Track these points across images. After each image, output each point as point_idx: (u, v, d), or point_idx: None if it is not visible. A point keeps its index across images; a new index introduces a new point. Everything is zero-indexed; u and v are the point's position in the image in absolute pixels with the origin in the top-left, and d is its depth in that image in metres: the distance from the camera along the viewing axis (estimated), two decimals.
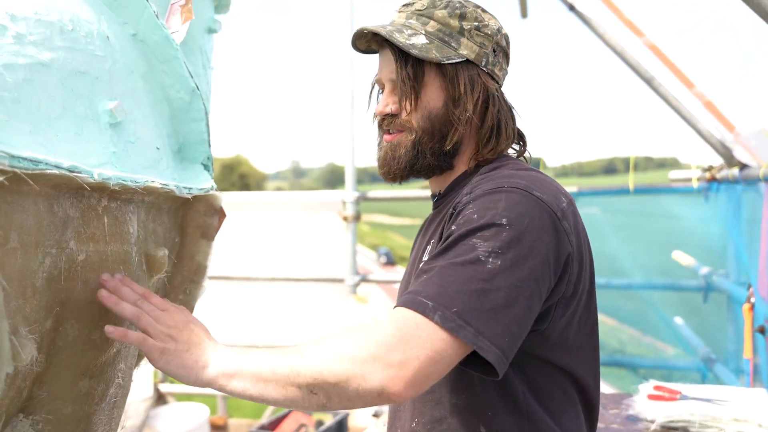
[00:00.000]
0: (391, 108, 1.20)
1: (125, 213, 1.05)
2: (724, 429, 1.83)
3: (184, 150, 1.36)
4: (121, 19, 1.20)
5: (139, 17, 1.21)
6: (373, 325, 0.97)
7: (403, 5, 1.22)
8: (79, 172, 0.89)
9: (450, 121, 1.17)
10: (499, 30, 1.21)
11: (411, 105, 1.17)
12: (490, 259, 0.94)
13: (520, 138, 1.25)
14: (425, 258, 1.16)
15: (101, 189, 0.96)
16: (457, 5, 1.19)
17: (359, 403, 0.95)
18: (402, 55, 1.16)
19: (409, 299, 0.96)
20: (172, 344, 1.01)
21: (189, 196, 1.20)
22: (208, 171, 1.36)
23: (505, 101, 1.22)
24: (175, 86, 1.28)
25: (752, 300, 2.47)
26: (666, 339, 4.04)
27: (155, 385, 4.05)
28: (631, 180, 3.42)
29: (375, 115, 1.25)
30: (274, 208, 4.34)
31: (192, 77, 1.29)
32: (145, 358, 1.38)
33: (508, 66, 1.25)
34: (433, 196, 1.31)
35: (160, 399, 4.15)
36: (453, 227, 1.01)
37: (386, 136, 1.22)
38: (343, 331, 0.98)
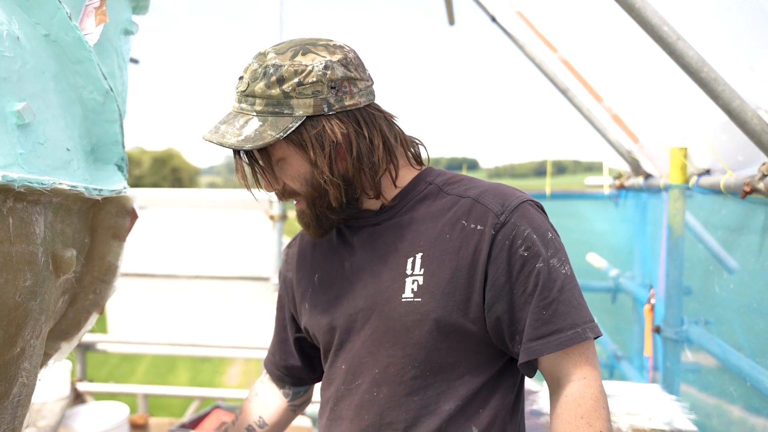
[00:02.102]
0: (278, 185, 1.21)
1: (31, 214, 1.06)
2: (617, 422, 1.96)
3: (97, 151, 1.36)
4: (33, 20, 1.20)
5: (51, 18, 1.21)
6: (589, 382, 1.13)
7: (236, 87, 1.19)
8: None
9: (320, 184, 1.16)
10: (326, 66, 1.11)
11: (276, 185, 1.20)
12: (565, 268, 1.13)
13: (412, 142, 1.25)
14: (414, 269, 1.16)
15: (6, 190, 0.97)
16: (271, 70, 1.12)
17: None
18: (237, 152, 1.18)
19: (565, 338, 1.10)
20: None
21: (99, 198, 1.21)
22: (122, 172, 1.38)
23: (373, 121, 1.16)
24: (88, 87, 1.29)
25: (653, 301, 2.65)
26: None
27: (72, 383, 3.96)
28: (548, 185, 3.58)
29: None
30: (201, 206, 4.31)
31: (106, 78, 1.31)
32: (53, 358, 1.39)
33: (366, 73, 1.19)
34: (363, 214, 1.25)
35: (77, 398, 4.06)
36: (524, 253, 1.11)
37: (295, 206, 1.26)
38: (586, 405, 1.11)
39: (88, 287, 1.33)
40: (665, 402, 2.07)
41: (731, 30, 1.76)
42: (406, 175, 1.23)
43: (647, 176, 3.06)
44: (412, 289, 1.14)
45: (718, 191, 1.95)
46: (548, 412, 2.06)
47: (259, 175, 1.20)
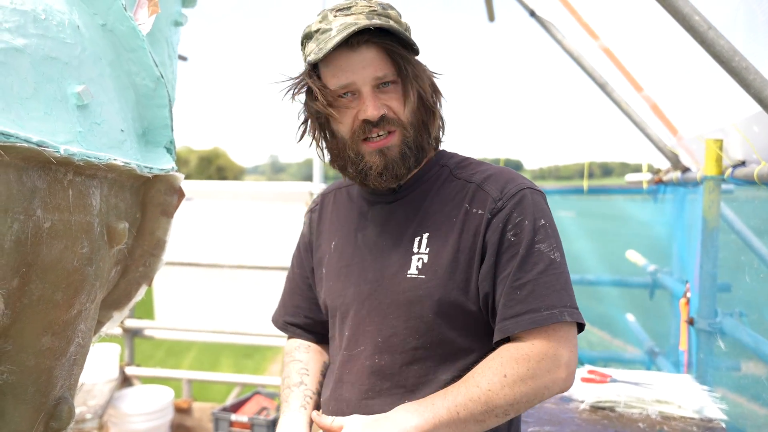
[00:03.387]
0: (384, 110, 1.19)
1: (89, 187, 1.16)
2: (646, 409, 1.98)
3: (148, 134, 1.46)
4: (92, 11, 1.31)
5: (108, 9, 1.31)
6: (530, 347, 1.13)
7: (344, 9, 1.20)
8: (47, 147, 1.00)
9: (430, 109, 1.23)
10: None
11: (413, 100, 1.19)
12: (554, 254, 1.16)
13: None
14: (421, 248, 1.22)
15: (67, 164, 1.07)
16: (389, 5, 1.24)
17: (539, 406, 1.18)
18: (398, 46, 1.18)
19: (539, 317, 1.12)
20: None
21: (150, 175, 1.31)
22: (171, 154, 1.47)
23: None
24: (140, 74, 1.39)
25: (688, 295, 2.64)
26: (619, 334, 4.22)
27: (121, 367, 4.13)
28: (585, 181, 3.59)
29: (360, 123, 1.21)
30: (243, 197, 4.43)
31: (157, 66, 1.40)
32: (106, 326, 1.49)
33: None
34: (379, 190, 1.31)
35: (125, 381, 4.23)
36: (512, 237, 1.16)
37: (372, 144, 1.21)
38: (509, 359, 1.12)
39: (139, 260, 1.43)
40: (696, 391, 2.08)
41: (763, 18, 1.77)
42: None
43: (685, 170, 3.05)
44: (417, 266, 1.22)
45: (752, 182, 1.95)
46: (579, 398, 2.09)
47: (373, 91, 1.19)
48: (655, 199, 3.50)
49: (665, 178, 3.29)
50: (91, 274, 1.18)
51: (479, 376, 1.10)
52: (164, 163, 1.41)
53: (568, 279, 1.17)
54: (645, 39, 2.72)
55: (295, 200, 4.17)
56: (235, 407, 3.80)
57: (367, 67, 1.17)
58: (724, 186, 2.36)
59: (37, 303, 1.08)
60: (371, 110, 1.17)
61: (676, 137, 2.98)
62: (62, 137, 1.11)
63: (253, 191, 4.50)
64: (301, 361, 1.42)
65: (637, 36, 2.80)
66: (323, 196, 1.47)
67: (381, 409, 1.23)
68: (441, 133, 1.32)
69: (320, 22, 1.19)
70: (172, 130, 1.48)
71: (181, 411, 4.22)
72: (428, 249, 1.21)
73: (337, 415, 1.27)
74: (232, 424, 3.62)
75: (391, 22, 1.17)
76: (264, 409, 3.77)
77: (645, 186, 3.54)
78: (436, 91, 1.25)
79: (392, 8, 1.22)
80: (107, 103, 1.28)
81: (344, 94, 1.20)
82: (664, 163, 3.46)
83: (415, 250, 1.23)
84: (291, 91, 1.27)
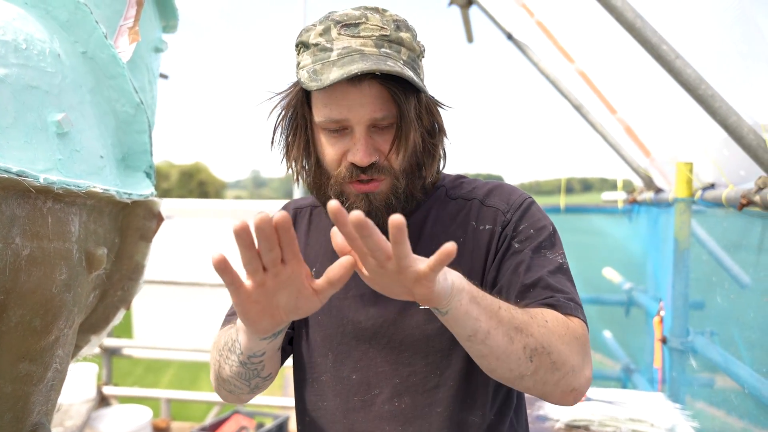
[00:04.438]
0: (375, 157, 1.06)
1: (68, 214, 1.17)
2: (620, 427, 2.02)
3: (127, 159, 1.48)
4: (72, 38, 1.33)
5: (89, 37, 1.33)
6: (573, 325, 1.01)
7: (350, 27, 1.04)
8: (26, 177, 1.01)
9: (428, 152, 1.12)
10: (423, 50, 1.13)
11: (406, 147, 1.07)
12: (560, 259, 1.10)
13: None
14: None
15: (46, 192, 1.08)
16: (410, 23, 1.09)
17: (550, 391, 0.98)
18: (403, 91, 1.03)
19: (568, 306, 1.03)
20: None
21: (129, 201, 1.32)
22: (150, 179, 1.49)
23: None
24: (120, 100, 1.41)
25: (662, 313, 2.69)
26: (597, 351, 4.27)
27: (98, 387, 4.09)
28: (562, 200, 3.65)
29: (346, 167, 1.08)
30: (225, 216, 4.44)
31: (137, 92, 1.42)
32: (83, 350, 1.50)
33: None
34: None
35: (103, 401, 4.19)
36: (516, 245, 1.09)
37: (359, 186, 1.08)
38: (551, 314, 1.00)
39: (117, 284, 1.44)
40: (669, 409, 2.12)
41: (730, 47, 1.83)
42: None
43: (658, 191, 3.12)
44: None
45: (720, 204, 2.00)
46: (554, 417, 2.13)
47: (366, 132, 1.06)
48: (630, 218, 3.57)
49: (639, 197, 3.36)
50: (69, 300, 1.19)
51: (521, 306, 1.00)
52: (143, 189, 1.43)
53: (574, 285, 1.10)
54: (619, 63, 2.79)
55: None
56: (214, 427, 3.79)
57: (366, 105, 1.03)
58: (696, 206, 2.41)
59: (14, 329, 1.09)
60: (361, 156, 1.04)
61: (649, 158, 3.05)
62: (42, 165, 1.13)
63: (234, 209, 4.51)
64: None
65: (611, 60, 2.86)
66: (296, 210, 1.32)
67: None
68: (441, 166, 1.21)
69: (321, 35, 1.04)
70: (152, 155, 1.50)
71: (160, 431, 4.19)
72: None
73: None
74: None
75: (402, 51, 1.05)
76: (243, 428, 3.76)
77: (620, 205, 3.61)
78: (440, 130, 1.14)
79: (407, 29, 1.07)
80: (87, 129, 1.30)
81: (333, 129, 1.07)
82: (640, 181, 3.53)
83: None
84: (281, 109, 1.15)
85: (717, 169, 2.10)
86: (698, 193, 2.26)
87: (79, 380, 3.75)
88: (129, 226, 1.42)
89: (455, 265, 1.11)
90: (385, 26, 1.04)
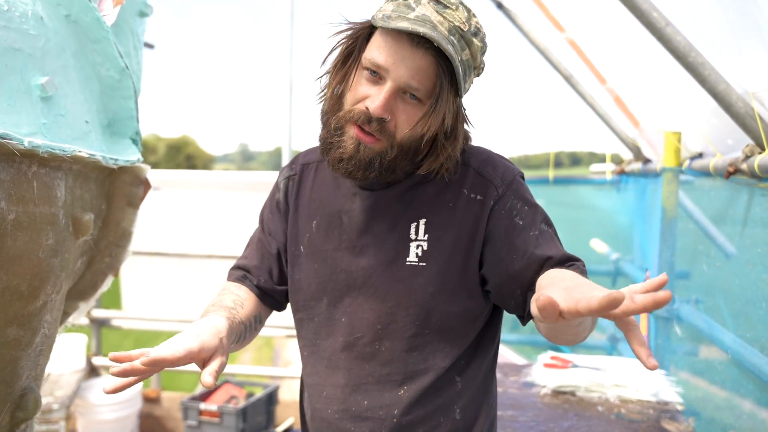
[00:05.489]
0: (388, 116, 1.11)
1: (54, 179, 1.16)
2: (605, 393, 2.05)
3: (113, 125, 1.46)
4: (55, 1, 1.30)
5: (72, 0, 1.31)
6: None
7: (440, 4, 1.10)
8: (11, 140, 1.00)
9: (434, 146, 1.17)
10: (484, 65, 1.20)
11: (416, 127, 1.12)
12: (552, 228, 1.21)
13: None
14: (419, 235, 1.21)
15: (31, 156, 1.07)
16: (483, 35, 1.15)
17: (579, 339, 1.11)
18: (449, 79, 1.10)
19: (579, 267, 1.12)
20: None
21: (115, 167, 1.31)
22: (136, 145, 1.47)
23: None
24: (105, 65, 1.39)
25: None
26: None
27: (88, 358, 4.09)
28: (551, 171, 3.65)
29: (360, 111, 1.12)
30: (213, 187, 4.41)
31: (122, 57, 1.40)
32: (72, 316, 1.49)
33: None
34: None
35: (92, 372, 4.20)
36: (520, 222, 1.17)
37: (358, 132, 1.13)
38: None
39: (104, 251, 1.43)
40: (653, 376, 2.15)
41: (722, 16, 1.83)
42: None
43: (646, 161, 3.13)
44: (417, 253, 1.20)
45: (707, 174, 2.01)
46: (541, 383, 2.16)
47: (394, 93, 1.11)
48: (618, 189, 3.58)
49: (627, 168, 3.37)
50: (56, 265, 1.19)
51: (578, 278, 1.04)
52: (130, 155, 1.42)
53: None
54: (609, 32, 2.77)
55: (265, 190, 4.14)
56: (204, 396, 3.81)
57: (409, 68, 1.08)
58: (683, 177, 2.43)
59: (1, 294, 1.08)
60: (378, 106, 1.09)
61: (638, 129, 3.05)
62: (26, 129, 1.11)
63: (222, 180, 4.48)
64: (238, 296, 1.33)
65: (602, 29, 2.85)
66: (303, 165, 1.38)
67: (378, 395, 1.24)
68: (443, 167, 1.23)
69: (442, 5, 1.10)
70: (138, 121, 1.48)
71: (150, 401, 4.21)
72: (427, 236, 1.20)
73: (331, 402, 1.28)
74: (201, 413, 3.62)
75: (466, 52, 1.11)
76: (233, 397, 3.78)
77: (608, 176, 3.62)
78: (454, 139, 1.18)
79: (481, 41, 1.14)
80: (71, 94, 1.28)
81: (372, 71, 1.12)
82: (628, 154, 3.54)
83: (413, 236, 1.21)
84: (344, 37, 1.18)
85: (705, 139, 2.10)
86: (686, 163, 2.27)
87: (69, 351, 3.75)
88: (116, 192, 1.41)
89: (442, 229, 1.22)
90: (467, 24, 1.10)
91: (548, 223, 1.21)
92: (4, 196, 1.05)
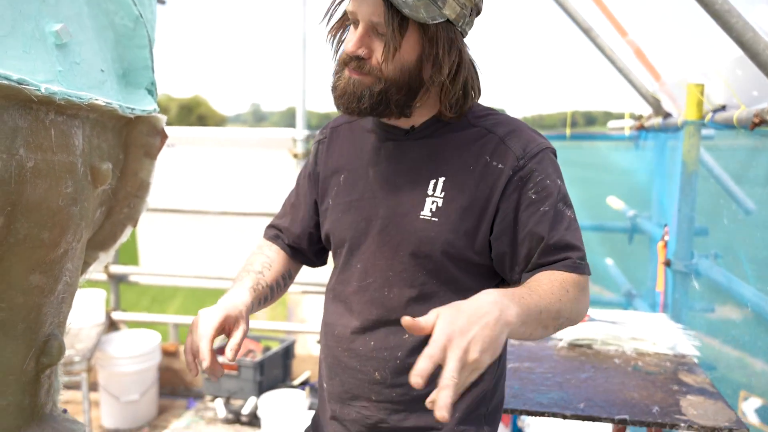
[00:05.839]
0: (363, 52, 1.20)
1: (71, 127, 1.15)
2: (622, 346, 2.05)
3: (128, 75, 1.45)
4: None
5: None
6: (584, 284, 1.22)
7: None
8: (27, 85, 0.99)
9: (422, 79, 1.21)
10: None
11: (389, 57, 1.18)
12: (570, 211, 1.24)
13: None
14: (436, 191, 1.26)
15: (48, 103, 1.06)
16: None
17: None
18: (392, 7, 1.14)
19: (578, 266, 1.21)
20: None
21: (132, 116, 1.30)
22: (152, 96, 1.46)
23: (472, 60, 1.26)
24: (119, 13, 1.37)
25: (666, 238, 2.70)
26: (598, 279, 4.31)
27: (107, 312, 4.16)
28: (568, 127, 3.61)
29: (344, 53, 1.24)
30: (226, 144, 4.41)
31: (136, 5, 1.38)
32: (92, 266, 1.51)
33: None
34: (393, 128, 1.34)
35: (112, 326, 4.27)
36: (533, 195, 1.21)
37: (349, 71, 1.23)
38: (568, 278, 1.18)
39: (123, 201, 1.43)
40: (671, 329, 2.15)
41: None
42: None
43: (666, 116, 3.07)
44: (431, 209, 1.26)
45: (731, 126, 1.97)
46: (557, 336, 2.16)
47: (366, 33, 1.20)
48: (637, 146, 3.53)
49: (647, 124, 3.32)
50: (76, 213, 1.19)
51: (547, 285, 1.13)
52: (146, 104, 1.40)
53: (581, 235, 1.26)
54: None
55: (279, 147, 4.15)
56: (222, 349, 3.87)
57: (370, 6, 1.17)
58: (704, 132, 2.38)
59: (23, 242, 1.09)
60: (351, 45, 1.21)
61: (659, 83, 2.99)
62: (42, 76, 1.10)
63: (235, 138, 4.47)
64: (268, 257, 1.49)
65: None
66: (332, 129, 1.49)
67: (384, 338, 1.32)
68: (466, 104, 1.28)
69: None
70: (153, 71, 1.46)
71: (169, 354, 4.29)
72: (443, 194, 1.25)
73: (341, 341, 1.37)
74: None
75: None
76: (250, 351, 3.84)
77: (627, 132, 3.57)
78: (456, 73, 1.22)
79: None
80: (86, 42, 1.26)
81: (354, 21, 1.22)
82: (646, 111, 3.48)
83: (430, 192, 1.26)
84: None
85: (729, 90, 2.06)
86: (708, 116, 2.22)
87: (89, 306, 3.81)
88: (133, 142, 1.40)
89: (458, 190, 1.26)
90: None
91: (566, 203, 1.24)
92: (22, 144, 1.04)
